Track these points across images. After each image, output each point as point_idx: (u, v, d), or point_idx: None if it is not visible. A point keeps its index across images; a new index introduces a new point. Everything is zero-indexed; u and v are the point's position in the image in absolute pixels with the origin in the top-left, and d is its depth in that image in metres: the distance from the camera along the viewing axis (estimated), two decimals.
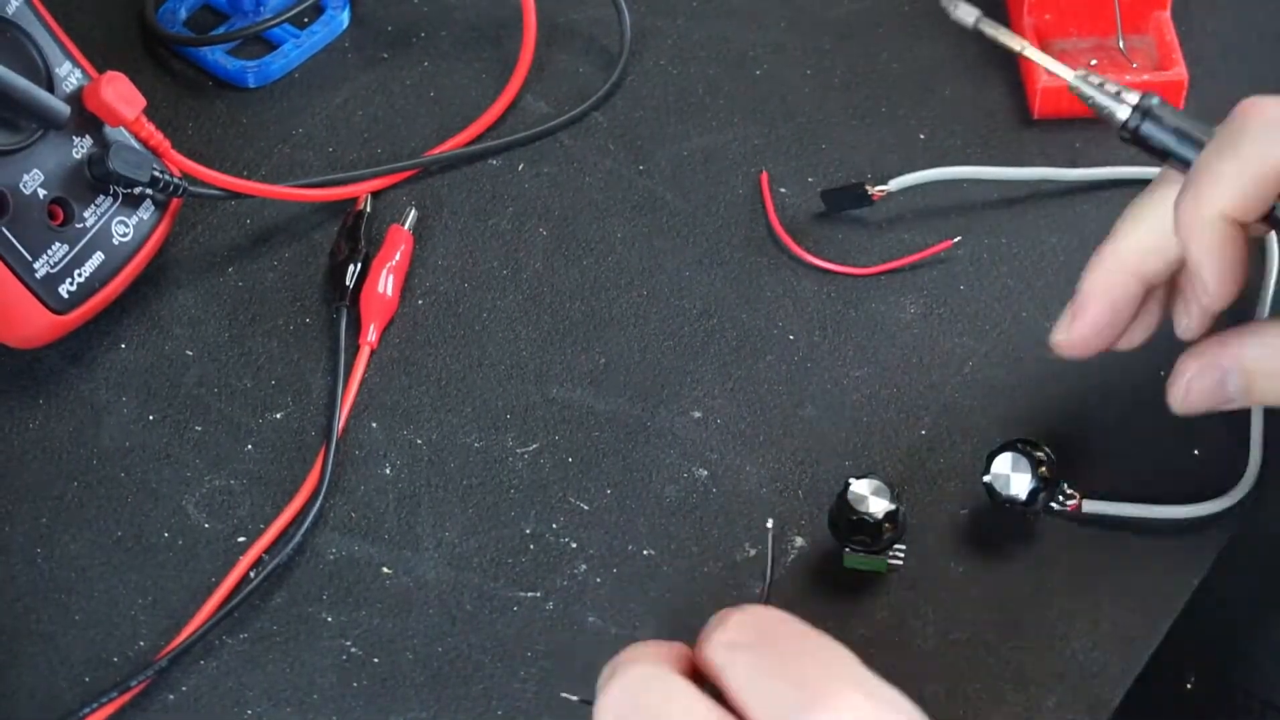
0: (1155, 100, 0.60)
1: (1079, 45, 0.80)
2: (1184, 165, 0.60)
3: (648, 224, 0.76)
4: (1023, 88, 0.79)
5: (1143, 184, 0.64)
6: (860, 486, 0.63)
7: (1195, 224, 0.58)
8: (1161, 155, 0.60)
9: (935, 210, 0.76)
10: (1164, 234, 0.60)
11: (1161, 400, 0.63)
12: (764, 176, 0.76)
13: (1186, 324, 0.62)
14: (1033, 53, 0.62)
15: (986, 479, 0.64)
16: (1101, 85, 0.60)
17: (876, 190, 0.74)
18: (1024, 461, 0.64)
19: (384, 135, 0.79)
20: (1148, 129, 0.60)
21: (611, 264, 0.74)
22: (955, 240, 0.74)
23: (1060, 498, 0.65)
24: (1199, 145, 0.59)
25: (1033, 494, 0.64)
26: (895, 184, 0.74)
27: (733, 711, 0.49)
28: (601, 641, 0.64)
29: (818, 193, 0.75)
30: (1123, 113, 0.60)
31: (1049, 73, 0.61)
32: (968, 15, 0.62)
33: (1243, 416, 0.68)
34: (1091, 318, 0.63)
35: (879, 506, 0.63)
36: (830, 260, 0.73)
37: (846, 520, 0.63)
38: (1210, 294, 0.59)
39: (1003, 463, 0.64)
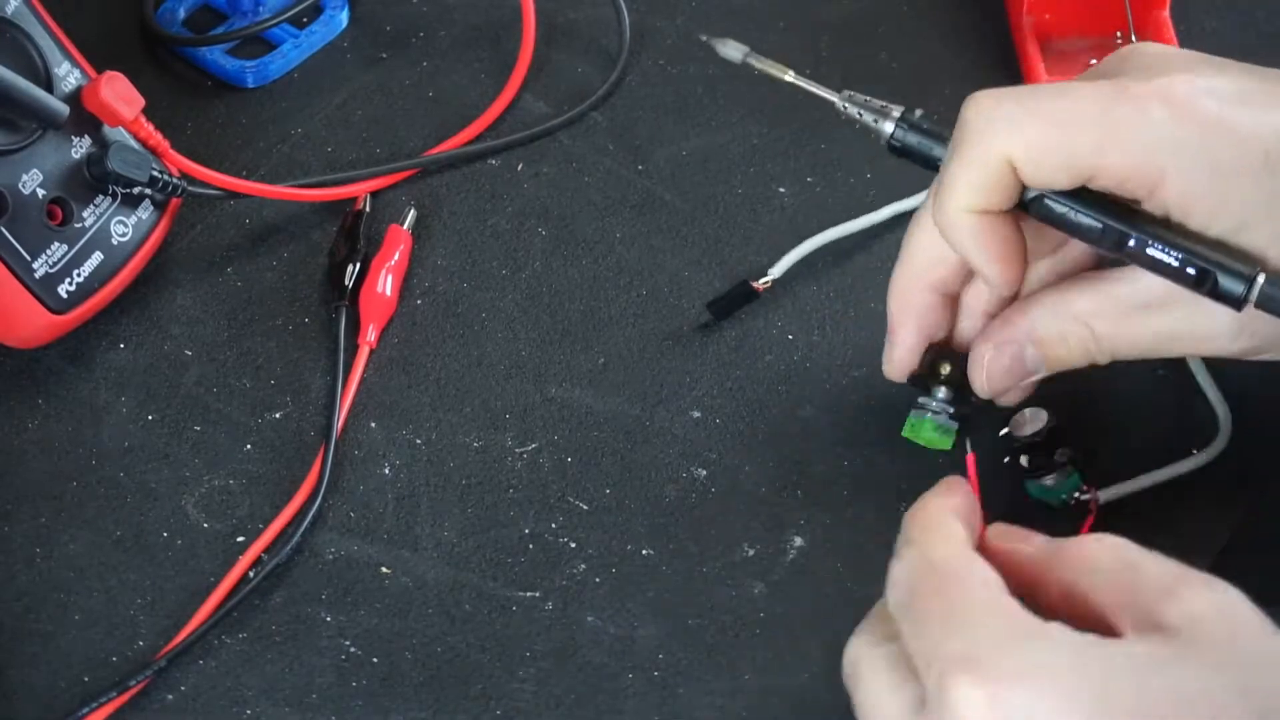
0: (918, 113, 0.62)
1: (1079, 45, 0.80)
2: None
3: (647, 224, 0.76)
4: None
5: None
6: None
7: (946, 224, 0.60)
8: (930, 165, 0.62)
9: None
10: (941, 240, 0.62)
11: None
12: None
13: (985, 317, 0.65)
14: (799, 80, 0.65)
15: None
16: (866, 103, 0.63)
17: (761, 283, 0.72)
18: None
19: (383, 135, 0.79)
20: (910, 140, 0.62)
21: (611, 264, 0.74)
22: None
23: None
24: None
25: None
26: (777, 269, 0.73)
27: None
28: (600, 641, 0.64)
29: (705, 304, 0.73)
30: (888, 128, 0.62)
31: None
32: (735, 52, 0.66)
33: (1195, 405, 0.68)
34: (902, 338, 0.65)
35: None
36: None
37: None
38: (993, 282, 0.61)
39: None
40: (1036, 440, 0.66)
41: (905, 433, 0.67)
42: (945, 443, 0.66)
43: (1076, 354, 0.62)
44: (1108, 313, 0.61)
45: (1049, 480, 0.66)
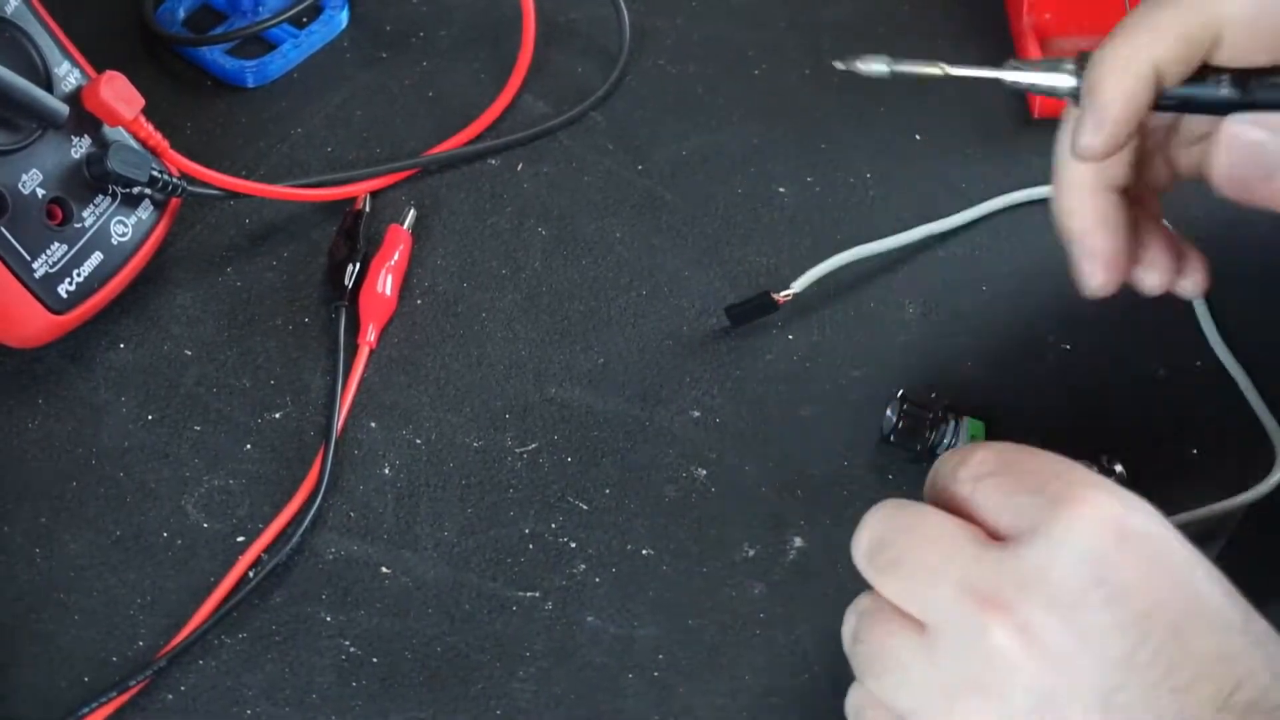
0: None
1: (1079, 44, 0.80)
2: None
3: (647, 224, 0.76)
4: None
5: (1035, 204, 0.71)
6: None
7: (1130, 69, 0.55)
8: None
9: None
10: (1192, 41, 0.56)
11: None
12: None
13: None
14: (956, 70, 0.59)
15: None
16: (1034, 65, 0.58)
17: (781, 295, 0.71)
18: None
19: (383, 135, 0.79)
20: None
21: (610, 264, 0.74)
22: None
23: None
24: None
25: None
26: (799, 284, 0.72)
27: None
28: (600, 641, 0.64)
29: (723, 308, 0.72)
30: (1066, 80, 0.57)
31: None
32: (880, 65, 0.59)
33: (1249, 422, 0.68)
34: (1095, 246, 0.60)
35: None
36: None
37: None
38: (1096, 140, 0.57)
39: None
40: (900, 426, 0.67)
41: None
42: None
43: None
44: None
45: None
